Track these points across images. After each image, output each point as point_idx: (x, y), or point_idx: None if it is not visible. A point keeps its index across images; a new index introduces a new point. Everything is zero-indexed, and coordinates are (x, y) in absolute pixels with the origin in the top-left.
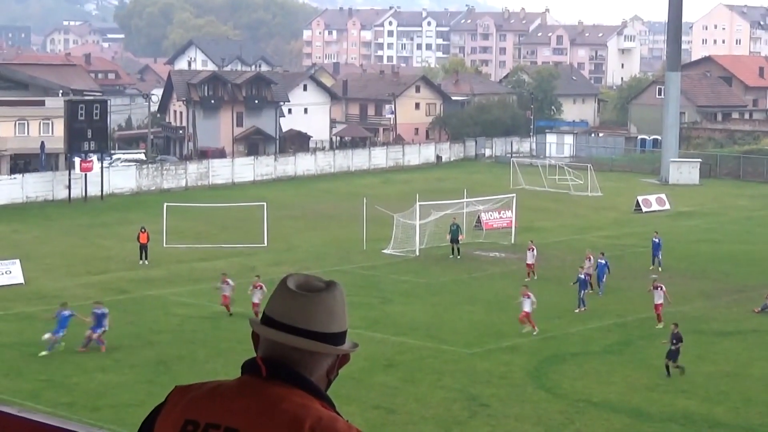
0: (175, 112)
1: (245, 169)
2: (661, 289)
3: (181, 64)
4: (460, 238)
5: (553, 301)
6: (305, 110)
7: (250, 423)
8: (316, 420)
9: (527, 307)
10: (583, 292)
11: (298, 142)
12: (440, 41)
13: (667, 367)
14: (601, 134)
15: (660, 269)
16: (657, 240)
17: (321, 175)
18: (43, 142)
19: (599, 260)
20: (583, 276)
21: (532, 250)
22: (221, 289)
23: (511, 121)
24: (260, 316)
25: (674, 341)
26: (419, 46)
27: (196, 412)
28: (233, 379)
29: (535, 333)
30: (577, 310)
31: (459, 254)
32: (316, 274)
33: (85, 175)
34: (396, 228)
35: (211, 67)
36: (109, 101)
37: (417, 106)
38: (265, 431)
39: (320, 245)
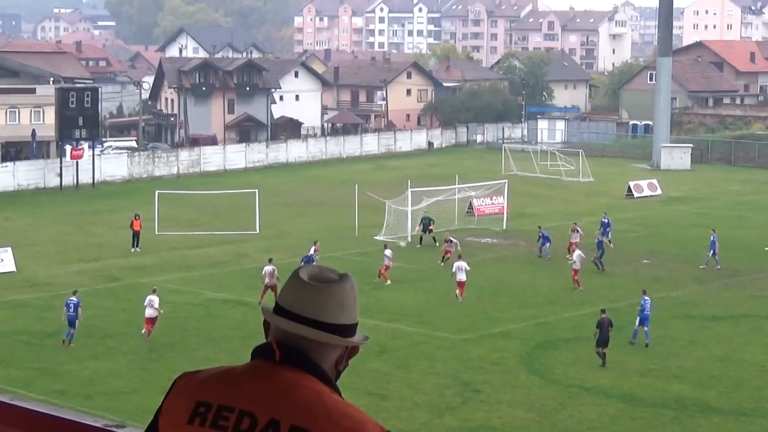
0: (166, 99)
1: (237, 156)
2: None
3: (172, 52)
4: (430, 228)
5: (545, 287)
6: (297, 97)
7: (266, 407)
8: (333, 406)
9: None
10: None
11: (289, 128)
12: (431, 27)
13: (602, 355)
14: (592, 120)
15: (611, 245)
16: (606, 220)
17: (313, 162)
18: (34, 130)
19: (711, 236)
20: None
21: (577, 231)
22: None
23: (503, 107)
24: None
25: (609, 328)
26: (410, 33)
27: (208, 394)
28: (244, 364)
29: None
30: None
31: (435, 242)
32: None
33: (77, 162)
34: (388, 214)
35: (202, 54)
36: (100, 89)
37: (408, 92)
38: (281, 416)
39: (312, 232)
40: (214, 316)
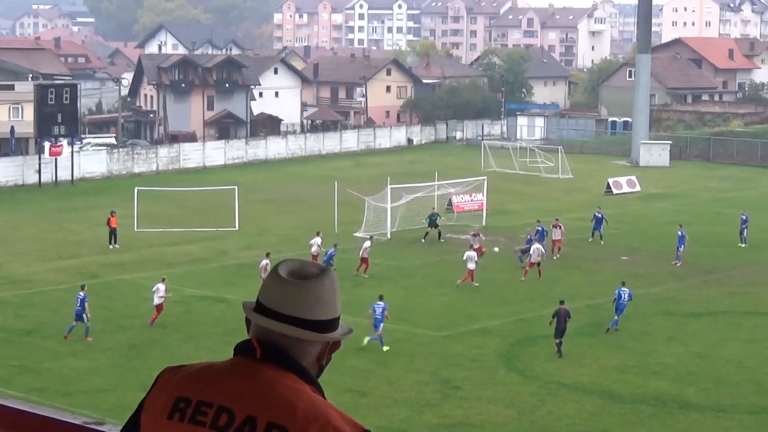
0: (145, 96)
1: (216, 152)
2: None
3: (152, 48)
4: (439, 221)
5: (525, 283)
6: (276, 94)
7: (244, 403)
8: (310, 405)
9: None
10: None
11: (269, 125)
12: (411, 24)
13: (557, 345)
14: (571, 117)
15: (602, 243)
16: (600, 215)
17: (292, 159)
18: (12, 127)
19: (678, 232)
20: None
21: (559, 228)
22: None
23: (482, 104)
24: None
25: (566, 319)
26: (390, 29)
27: (188, 389)
28: (225, 360)
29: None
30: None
31: (441, 237)
32: (287, 257)
33: (56, 159)
34: (367, 211)
35: (181, 50)
36: (79, 85)
37: (388, 89)
38: (258, 413)
39: (292, 228)
40: (194, 313)
